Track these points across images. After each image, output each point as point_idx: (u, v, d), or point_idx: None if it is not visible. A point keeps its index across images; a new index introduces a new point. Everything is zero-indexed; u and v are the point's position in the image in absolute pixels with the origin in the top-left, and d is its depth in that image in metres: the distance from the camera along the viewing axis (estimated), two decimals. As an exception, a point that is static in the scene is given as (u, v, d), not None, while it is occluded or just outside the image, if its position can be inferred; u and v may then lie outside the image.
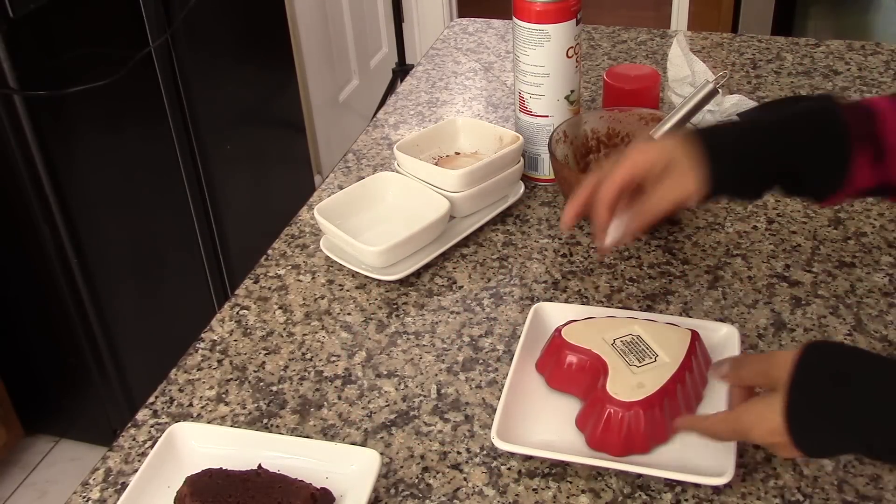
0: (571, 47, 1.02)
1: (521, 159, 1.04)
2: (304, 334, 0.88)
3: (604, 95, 1.15)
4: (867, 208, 1.00)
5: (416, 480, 0.72)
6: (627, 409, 0.71)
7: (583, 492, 0.70)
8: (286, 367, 0.85)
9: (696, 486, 0.70)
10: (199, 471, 0.69)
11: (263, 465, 0.70)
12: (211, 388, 0.83)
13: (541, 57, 1.01)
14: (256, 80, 2.14)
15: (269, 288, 0.95)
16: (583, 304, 0.89)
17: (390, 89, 2.77)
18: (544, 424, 0.75)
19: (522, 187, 1.05)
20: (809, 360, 0.60)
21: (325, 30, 2.69)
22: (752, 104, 1.19)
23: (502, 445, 0.71)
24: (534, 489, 0.71)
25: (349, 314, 0.91)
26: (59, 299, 1.67)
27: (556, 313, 0.84)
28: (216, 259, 1.98)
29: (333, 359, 0.85)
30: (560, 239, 0.99)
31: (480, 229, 1.01)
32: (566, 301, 0.90)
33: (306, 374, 0.84)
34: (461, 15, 2.84)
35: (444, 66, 1.41)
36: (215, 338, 0.89)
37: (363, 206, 1.01)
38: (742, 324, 0.85)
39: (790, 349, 0.68)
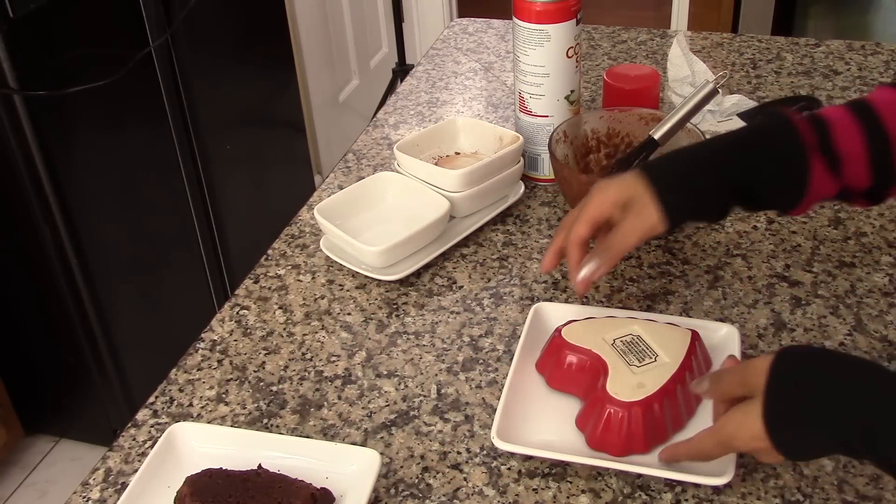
0: (571, 47, 1.02)
1: (521, 159, 1.04)
2: (304, 334, 0.88)
3: (604, 95, 1.15)
4: (867, 208, 1.00)
5: (416, 480, 0.72)
6: (627, 409, 0.71)
7: (583, 492, 0.70)
8: (286, 367, 0.85)
9: (696, 486, 0.70)
10: (199, 471, 0.69)
11: (263, 465, 0.70)
12: (211, 388, 0.83)
13: (541, 57, 1.01)
14: (256, 80, 2.14)
15: (269, 288, 0.95)
16: (583, 304, 0.89)
17: (390, 89, 2.77)
18: (544, 424, 0.75)
19: (522, 187, 1.05)
20: (784, 365, 0.62)
21: (325, 30, 2.69)
22: (752, 104, 1.19)
23: (502, 445, 0.71)
24: (534, 489, 0.71)
25: (349, 314, 0.91)
26: (59, 299, 1.67)
27: (556, 313, 0.84)
28: (216, 259, 1.98)
29: (333, 359, 0.85)
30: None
31: (480, 229, 1.01)
32: (566, 301, 0.90)
33: (306, 374, 0.84)
34: (461, 15, 2.84)
35: (444, 66, 1.41)
36: (215, 338, 0.89)
37: (363, 206, 1.01)
38: (742, 324, 0.85)
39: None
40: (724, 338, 0.80)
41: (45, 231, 1.59)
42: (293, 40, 2.37)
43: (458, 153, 1.09)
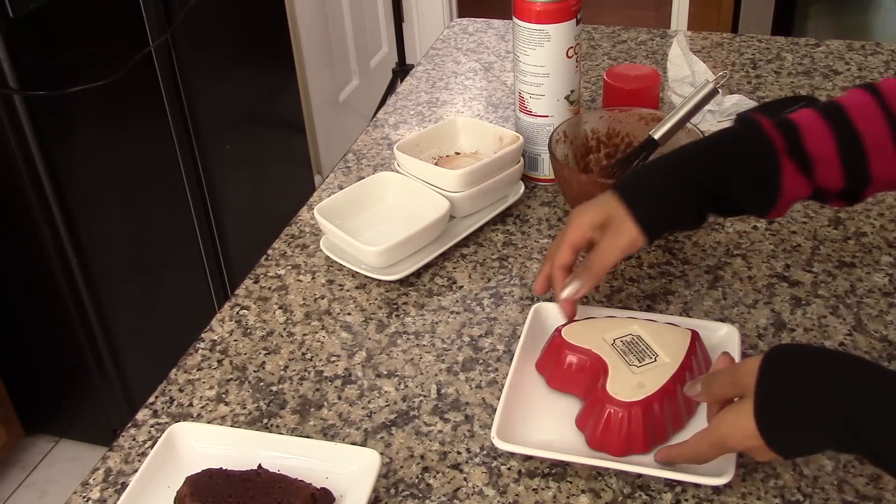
0: (571, 47, 1.02)
1: (521, 159, 1.04)
2: (304, 334, 0.88)
3: (604, 95, 1.15)
4: (867, 208, 1.00)
5: (416, 480, 0.72)
6: (627, 409, 0.71)
7: (583, 492, 0.70)
8: (286, 367, 0.85)
9: (696, 486, 0.70)
10: (199, 471, 0.69)
11: (263, 465, 0.70)
12: (211, 388, 0.83)
13: (541, 57, 1.01)
14: (256, 80, 2.14)
15: (269, 288, 0.95)
16: (583, 304, 0.89)
17: (390, 89, 2.77)
18: (544, 424, 0.75)
19: (522, 187, 1.05)
20: (773, 363, 0.62)
21: (325, 30, 2.69)
22: (752, 104, 1.19)
23: (502, 445, 0.71)
24: (534, 489, 0.71)
25: (349, 314, 0.91)
26: (59, 299, 1.67)
27: (556, 313, 0.84)
28: (216, 259, 1.98)
29: (333, 359, 0.85)
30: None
31: (480, 229, 1.01)
32: (566, 301, 0.90)
33: (306, 374, 0.84)
34: (461, 15, 2.84)
35: (444, 66, 1.41)
36: (215, 338, 0.89)
37: (363, 206, 1.01)
38: (742, 324, 0.85)
39: None
40: (724, 338, 0.80)
41: (45, 231, 1.59)
42: (293, 40, 2.37)
43: (458, 153, 1.09)
